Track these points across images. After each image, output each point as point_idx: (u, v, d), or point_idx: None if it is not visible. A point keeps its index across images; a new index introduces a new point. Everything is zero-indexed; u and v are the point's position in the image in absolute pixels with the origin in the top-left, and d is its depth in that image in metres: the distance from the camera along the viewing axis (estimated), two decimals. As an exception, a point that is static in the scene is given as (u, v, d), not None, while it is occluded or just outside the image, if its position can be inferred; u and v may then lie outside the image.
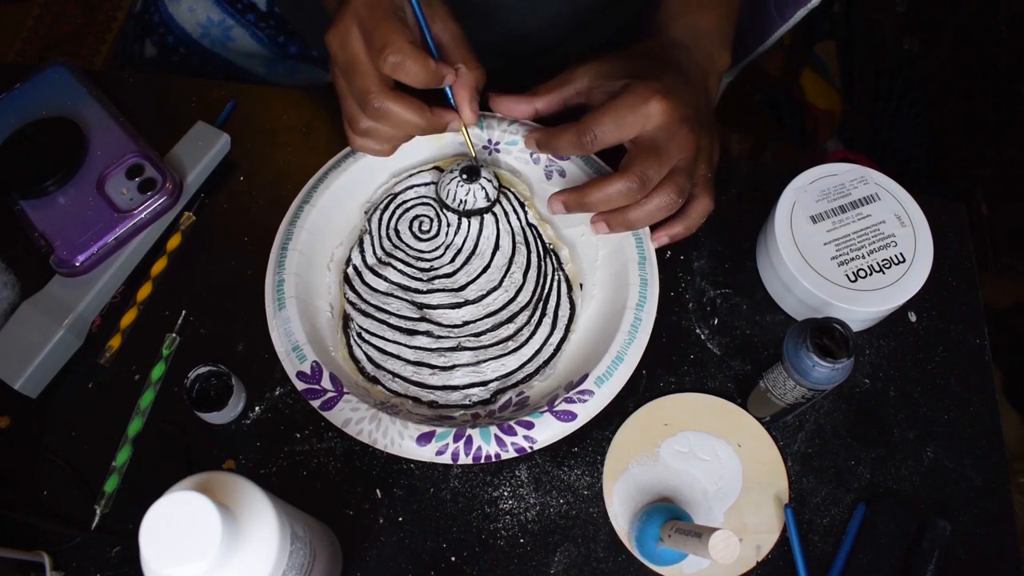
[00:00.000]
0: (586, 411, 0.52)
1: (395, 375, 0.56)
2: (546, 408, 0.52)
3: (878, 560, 0.54)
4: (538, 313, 0.58)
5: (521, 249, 0.60)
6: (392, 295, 0.59)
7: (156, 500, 0.35)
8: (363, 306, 0.58)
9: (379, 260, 0.60)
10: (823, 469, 0.57)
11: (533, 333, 0.58)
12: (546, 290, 0.59)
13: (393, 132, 0.54)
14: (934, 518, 0.54)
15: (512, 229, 0.61)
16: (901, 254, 0.59)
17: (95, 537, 0.54)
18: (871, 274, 0.58)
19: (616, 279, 0.58)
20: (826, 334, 0.49)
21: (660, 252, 0.59)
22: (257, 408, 0.58)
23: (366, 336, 0.58)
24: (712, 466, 0.57)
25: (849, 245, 0.59)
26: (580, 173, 0.61)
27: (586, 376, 0.53)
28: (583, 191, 0.53)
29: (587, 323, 0.58)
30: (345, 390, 0.53)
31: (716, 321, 0.62)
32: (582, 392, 0.53)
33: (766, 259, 0.61)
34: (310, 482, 0.56)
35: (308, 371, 0.54)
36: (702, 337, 0.61)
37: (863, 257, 0.58)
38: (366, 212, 0.62)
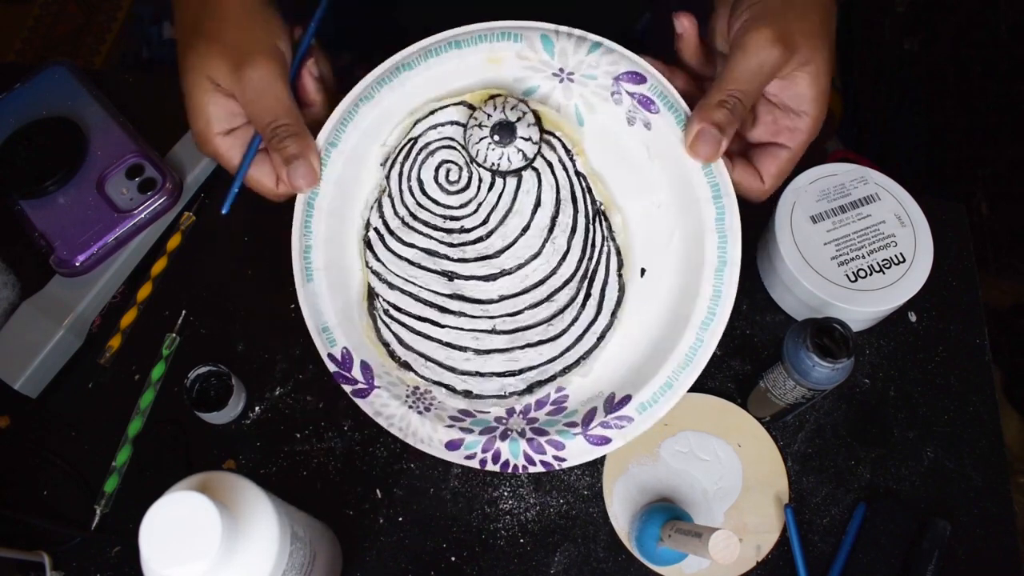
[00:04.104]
0: (623, 436, 0.48)
1: (427, 358, 0.51)
2: (580, 431, 0.49)
3: (878, 560, 0.54)
4: (582, 294, 0.51)
5: (566, 207, 0.51)
6: (420, 266, 0.52)
7: (156, 500, 0.35)
8: (388, 276, 0.52)
9: (403, 222, 0.52)
10: (823, 469, 0.57)
11: (576, 318, 0.51)
12: (594, 263, 0.51)
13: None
14: (934, 518, 0.54)
15: (556, 181, 0.51)
16: (901, 254, 0.59)
17: (95, 537, 0.54)
18: (871, 274, 0.58)
19: (685, 277, 0.50)
20: (826, 334, 0.49)
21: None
22: (257, 408, 0.58)
23: (393, 313, 0.52)
24: (712, 466, 0.57)
25: (849, 245, 0.59)
26: (669, 132, 0.49)
27: (629, 399, 0.49)
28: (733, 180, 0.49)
29: (641, 320, 0.51)
30: (376, 384, 0.49)
31: (716, 321, 0.61)
32: (621, 418, 0.48)
33: (766, 259, 0.61)
34: (310, 482, 0.56)
35: (339, 356, 0.50)
36: (702, 337, 0.61)
37: (863, 257, 0.58)
38: (383, 164, 0.52)
